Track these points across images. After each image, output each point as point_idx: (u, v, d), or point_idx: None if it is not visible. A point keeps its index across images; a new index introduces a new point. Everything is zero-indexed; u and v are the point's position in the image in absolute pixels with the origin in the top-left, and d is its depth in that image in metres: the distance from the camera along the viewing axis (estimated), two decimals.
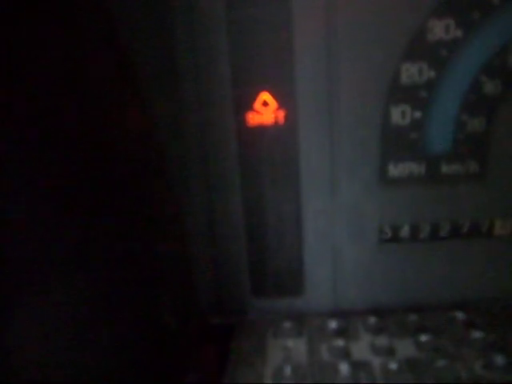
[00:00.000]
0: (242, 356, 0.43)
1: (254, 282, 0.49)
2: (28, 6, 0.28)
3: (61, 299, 0.30)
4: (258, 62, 0.44)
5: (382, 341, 0.42)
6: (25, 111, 0.28)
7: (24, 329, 0.28)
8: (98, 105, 0.34)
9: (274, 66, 0.44)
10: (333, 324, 0.45)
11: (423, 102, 0.44)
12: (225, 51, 0.44)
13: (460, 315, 0.45)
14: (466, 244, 0.47)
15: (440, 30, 0.42)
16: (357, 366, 0.40)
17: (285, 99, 0.44)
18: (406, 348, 0.42)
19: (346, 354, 0.41)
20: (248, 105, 0.44)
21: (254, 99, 0.44)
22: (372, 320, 0.46)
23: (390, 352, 0.41)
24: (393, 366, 0.39)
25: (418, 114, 0.44)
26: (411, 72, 0.43)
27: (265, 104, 0.44)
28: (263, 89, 0.44)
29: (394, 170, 0.45)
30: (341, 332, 0.45)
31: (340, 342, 0.42)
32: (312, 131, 0.45)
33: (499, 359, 0.39)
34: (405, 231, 0.47)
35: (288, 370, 0.39)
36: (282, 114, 0.44)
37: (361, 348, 0.42)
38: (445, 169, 0.45)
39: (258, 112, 0.44)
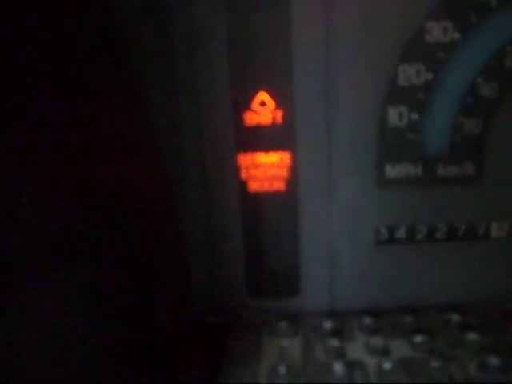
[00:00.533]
0: (237, 355, 0.43)
1: (249, 281, 0.49)
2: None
3: (51, 296, 0.30)
4: (256, 62, 0.44)
5: (377, 341, 0.42)
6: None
7: (16, 327, 0.28)
8: (95, 105, 0.35)
9: (273, 65, 0.44)
10: (328, 324, 0.45)
11: (420, 103, 0.44)
12: (223, 50, 0.44)
13: (455, 317, 0.45)
14: (463, 246, 0.47)
15: (438, 31, 0.42)
16: (351, 365, 0.40)
17: (282, 99, 0.44)
18: (400, 348, 0.42)
19: (340, 354, 0.41)
20: (246, 104, 0.45)
21: (251, 99, 0.44)
22: (367, 320, 0.46)
23: (384, 352, 0.41)
24: (387, 366, 0.39)
25: (415, 116, 0.44)
26: (409, 73, 0.43)
27: (262, 104, 0.44)
28: (261, 88, 0.44)
29: (391, 171, 0.46)
30: (336, 332, 0.45)
31: (335, 342, 0.42)
32: (309, 131, 0.45)
33: (493, 361, 0.39)
34: (401, 232, 0.47)
35: (283, 370, 0.39)
36: (279, 114, 0.45)
37: (356, 348, 0.42)
38: (441, 171, 0.45)
39: (255, 112, 0.45)
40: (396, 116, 0.44)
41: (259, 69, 0.44)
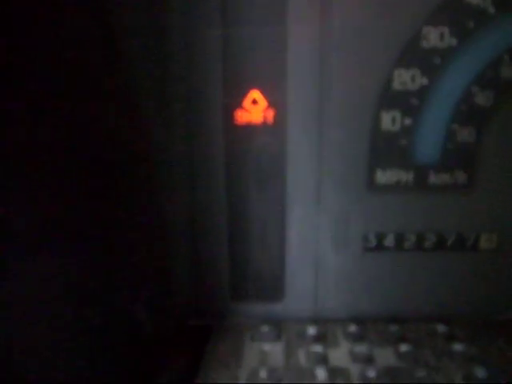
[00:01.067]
0: (218, 358, 0.42)
1: (233, 285, 0.48)
2: None
3: (27, 289, 0.29)
4: (249, 60, 0.43)
5: (362, 348, 0.41)
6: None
7: None
8: (88, 97, 0.34)
9: (266, 64, 0.43)
10: (311, 330, 0.44)
11: (414, 109, 0.43)
12: (217, 47, 0.43)
13: (441, 327, 0.45)
14: (451, 256, 0.46)
15: (435, 37, 0.42)
16: (334, 372, 0.39)
17: (275, 98, 0.44)
18: (385, 357, 0.41)
19: (323, 360, 0.40)
20: (237, 102, 0.44)
21: (243, 97, 0.44)
22: (352, 328, 0.45)
23: (368, 360, 0.40)
24: (371, 373, 0.38)
25: (408, 121, 0.44)
26: (404, 78, 0.43)
27: (254, 102, 0.44)
28: (253, 86, 0.43)
29: (382, 177, 0.45)
30: (319, 338, 0.44)
31: (318, 348, 0.41)
32: (301, 133, 0.44)
33: (479, 372, 0.38)
34: (389, 240, 0.46)
35: (263, 374, 0.38)
36: (271, 114, 0.44)
37: (339, 355, 0.42)
38: (433, 178, 0.45)
39: (246, 110, 0.44)
40: (389, 121, 0.44)
41: (253, 67, 0.43)
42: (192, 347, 0.44)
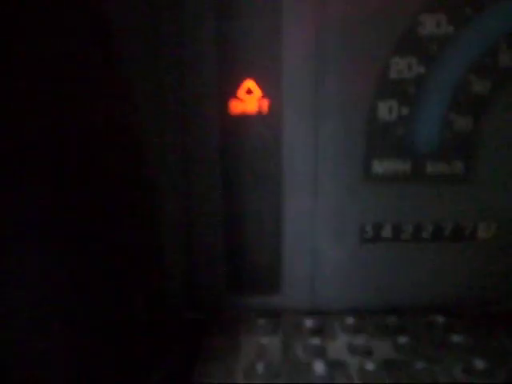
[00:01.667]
0: (214, 352, 0.41)
1: (229, 277, 0.48)
2: None
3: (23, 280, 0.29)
4: (244, 49, 0.42)
5: (360, 341, 0.41)
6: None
7: None
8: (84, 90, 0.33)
9: (261, 53, 0.43)
10: (309, 322, 0.44)
11: (411, 97, 0.43)
12: (211, 37, 0.42)
13: (440, 319, 0.44)
14: (449, 246, 0.46)
15: (431, 24, 0.41)
16: (332, 365, 0.38)
17: (270, 88, 0.43)
18: (383, 349, 0.41)
19: (321, 353, 0.40)
20: (231, 92, 0.43)
21: (238, 86, 0.43)
22: (350, 320, 0.44)
23: (367, 352, 0.40)
24: (370, 366, 0.37)
25: (405, 110, 0.43)
26: (400, 66, 0.42)
27: (249, 92, 0.43)
28: (248, 76, 0.43)
29: (379, 167, 0.44)
30: (317, 331, 0.43)
31: (316, 341, 0.41)
32: (296, 123, 0.44)
33: (479, 363, 0.38)
34: (387, 231, 0.46)
35: (261, 368, 0.38)
36: (266, 104, 0.43)
37: (337, 347, 0.41)
38: (430, 168, 0.44)
39: (241, 100, 0.43)
40: (386, 110, 0.43)
41: (247, 56, 0.43)
42: (187, 341, 0.44)
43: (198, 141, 0.44)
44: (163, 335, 0.44)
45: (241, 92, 0.43)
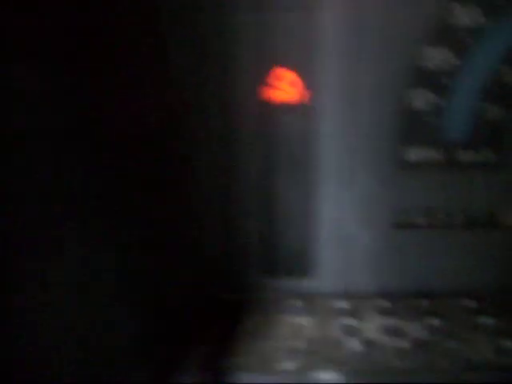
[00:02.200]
0: (250, 332, 0.43)
1: (265, 261, 0.49)
2: None
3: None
4: (285, 41, 0.44)
5: (392, 322, 0.42)
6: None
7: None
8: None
9: (302, 46, 0.44)
10: (342, 304, 0.45)
11: (444, 87, 0.44)
12: (253, 29, 0.44)
13: (470, 302, 0.45)
14: (479, 233, 0.47)
15: (463, 16, 0.42)
16: (367, 344, 0.40)
17: (309, 79, 0.44)
18: (416, 330, 0.42)
19: (356, 333, 0.41)
20: (273, 83, 0.44)
21: (279, 78, 0.44)
22: (382, 302, 0.46)
23: (400, 333, 0.41)
24: (404, 345, 0.39)
25: (438, 100, 0.44)
26: (435, 57, 0.43)
27: (288, 83, 0.44)
28: (290, 68, 0.44)
29: (412, 155, 0.45)
30: (350, 312, 0.45)
31: (350, 321, 0.42)
32: (333, 112, 0.45)
33: (509, 344, 0.39)
34: (418, 218, 0.47)
35: (297, 347, 0.39)
36: (304, 94, 0.44)
37: (370, 328, 0.43)
38: (462, 156, 0.45)
39: (282, 90, 0.44)
40: (419, 99, 0.44)
41: (289, 49, 0.44)
42: (224, 321, 0.46)
43: (239, 130, 0.46)
44: (201, 315, 0.46)
45: (283, 83, 0.44)
